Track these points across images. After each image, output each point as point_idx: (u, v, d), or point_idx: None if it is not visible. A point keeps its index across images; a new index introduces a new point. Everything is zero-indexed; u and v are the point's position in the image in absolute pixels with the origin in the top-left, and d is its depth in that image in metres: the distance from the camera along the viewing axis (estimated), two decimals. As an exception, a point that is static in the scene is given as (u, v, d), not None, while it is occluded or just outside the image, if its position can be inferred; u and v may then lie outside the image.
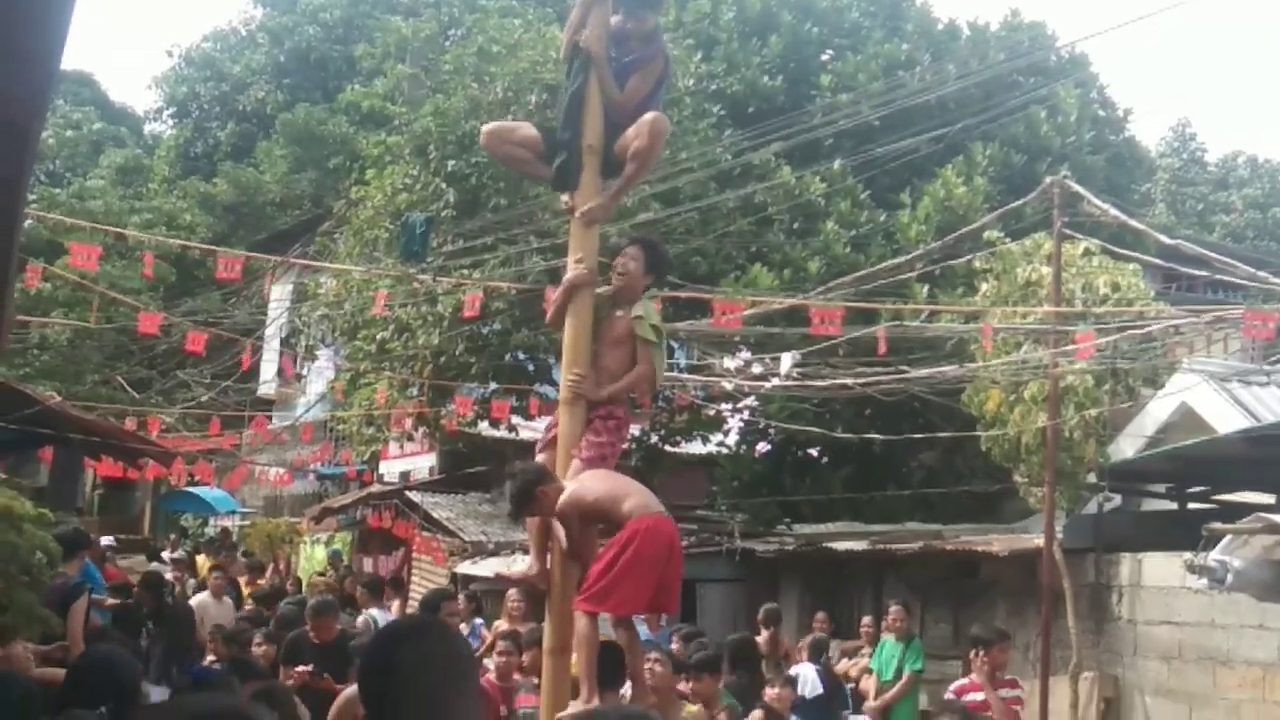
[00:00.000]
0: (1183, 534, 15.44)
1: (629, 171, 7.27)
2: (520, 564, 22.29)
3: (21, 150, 5.38)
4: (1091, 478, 18.26)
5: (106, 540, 23.63)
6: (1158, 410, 19.56)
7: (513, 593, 14.85)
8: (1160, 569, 16.93)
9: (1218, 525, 13.63)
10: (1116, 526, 18.73)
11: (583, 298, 7.19)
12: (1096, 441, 17.81)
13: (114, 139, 59.04)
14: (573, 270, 7.21)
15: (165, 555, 29.20)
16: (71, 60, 65.09)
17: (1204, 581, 13.59)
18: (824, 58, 28.27)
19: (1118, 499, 19.67)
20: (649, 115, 7.21)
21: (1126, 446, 19.27)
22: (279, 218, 47.58)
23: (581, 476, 6.92)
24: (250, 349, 25.08)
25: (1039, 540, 18.05)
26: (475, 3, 45.73)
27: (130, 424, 25.66)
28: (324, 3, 54.94)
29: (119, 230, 28.12)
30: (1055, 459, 17.53)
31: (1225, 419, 18.12)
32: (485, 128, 7.97)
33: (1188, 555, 13.83)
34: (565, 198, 7.46)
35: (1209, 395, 18.79)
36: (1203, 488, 18.93)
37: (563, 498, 6.83)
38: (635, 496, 6.81)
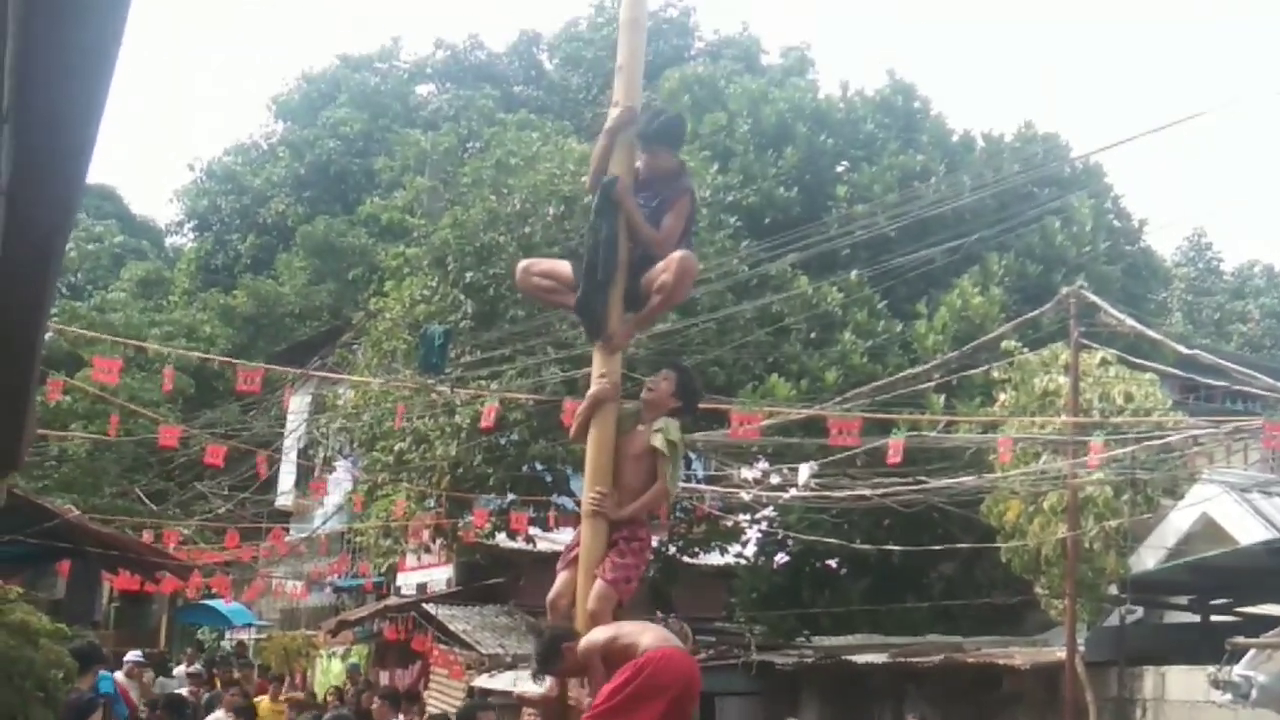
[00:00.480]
0: (1206, 647, 15.29)
1: (654, 304, 7.31)
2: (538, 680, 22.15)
3: (45, 266, 5.46)
4: (1113, 589, 18.11)
5: (134, 655, 23.46)
6: (1179, 521, 19.43)
7: (529, 711, 14.77)
8: (1184, 683, 16.73)
9: (1241, 639, 13.50)
10: (1139, 639, 18.55)
11: (605, 413, 7.19)
12: (1117, 553, 17.68)
13: (135, 252, 59.61)
14: (596, 385, 7.24)
15: (181, 670, 28.98)
16: (95, 174, 65.83)
17: (1228, 697, 13.42)
18: (839, 169, 28.45)
19: (1140, 611, 19.50)
20: (678, 253, 7.22)
21: (1148, 558, 19.12)
22: (298, 329, 47.82)
23: (602, 626, 6.92)
24: (268, 460, 25.01)
25: (1061, 653, 17.88)
26: (493, 116, 46.38)
27: (148, 536, 25.62)
28: (344, 117, 55.56)
29: (139, 344, 28.27)
30: (1076, 570, 17.41)
31: (1247, 530, 17.98)
32: (520, 265, 7.99)
33: (1211, 670, 13.68)
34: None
35: (1230, 506, 18.66)
36: (1226, 600, 18.76)
37: (582, 644, 6.85)
38: (653, 633, 6.85)
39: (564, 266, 7.68)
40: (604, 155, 7.50)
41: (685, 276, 7.23)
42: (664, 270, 7.18)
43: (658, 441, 7.12)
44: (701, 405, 19.14)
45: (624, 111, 7.44)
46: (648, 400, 7.32)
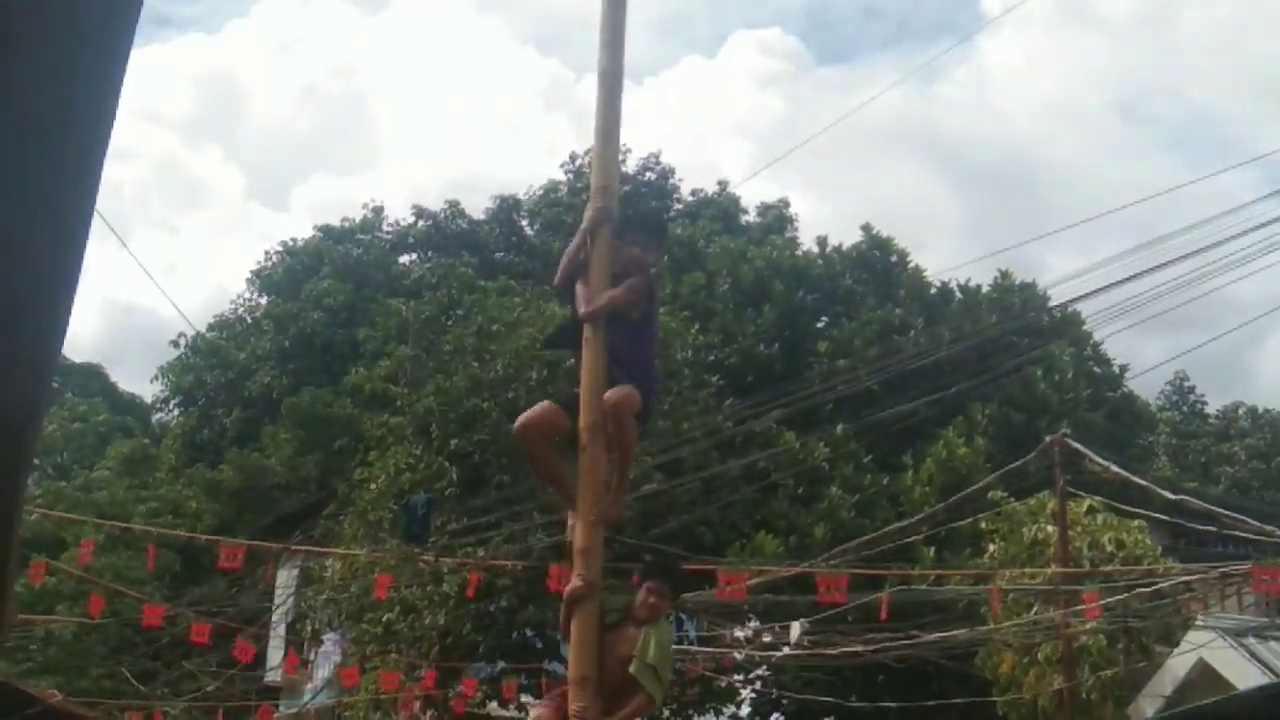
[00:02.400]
0: (1210, 796, 15.06)
1: (616, 460, 7.21)
2: None
3: (17, 451, 5.41)
4: (1113, 739, 17.88)
5: None
6: (1175, 668, 19.21)
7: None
8: (1190, 834, 16.44)
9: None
10: (1143, 790, 18.26)
11: (585, 612, 7.04)
12: (1115, 702, 17.50)
13: (121, 429, 59.53)
14: (571, 584, 7.09)
15: None
16: (81, 353, 66.03)
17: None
18: (819, 324, 28.65)
19: (1142, 761, 19.21)
20: (607, 395, 7.12)
21: (1146, 707, 18.88)
22: (285, 500, 47.55)
23: None
24: (254, 638, 24.73)
25: (1064, 808, 17.60)
26: (474, 283, 46.57)
27: (135, 718, 25.21)
28: (327, 288, 55.83)
29: (123, 525, 28.10)
30: (1074, 721, 17.20)
31: (1244, 675, 17.78)
32: (519, 422, 7.69)
33: (1216, 819, 13.46)
34: (570, 523, 7.34)
35: (1227, 652, 18.47)
36: (1227, 746, 18.49)
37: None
38: None
39: (562, 419, 7.48)
40: (577, 251, 7.56)
41: (618, 414, 7.12)
42: (606, 424, 7.12)
43: (634, 669, 6.96)
44: (690, 566, 19.06)
45: (599, 211, 7.50)
46: (640, 616, 7.14)
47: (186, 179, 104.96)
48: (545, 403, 7.73)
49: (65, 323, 4.35)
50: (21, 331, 4.31)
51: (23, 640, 31.43)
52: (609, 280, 7.49)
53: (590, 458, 7.21)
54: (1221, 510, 16.99)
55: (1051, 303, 27.90)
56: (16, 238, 3.70)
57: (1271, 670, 17.81)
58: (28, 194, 3.57)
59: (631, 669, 6.96)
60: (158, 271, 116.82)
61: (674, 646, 24.11)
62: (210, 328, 60.26)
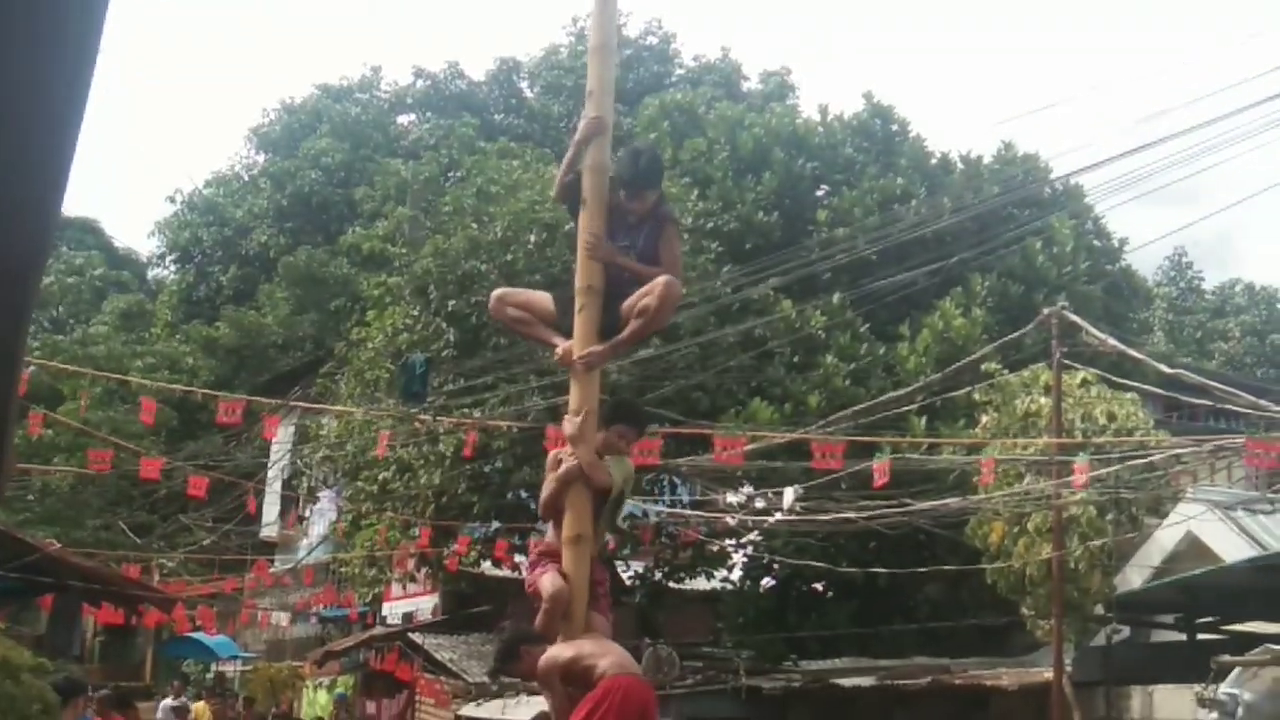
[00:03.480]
0: (1193, 666, 15.28)
1: (634, 327, 7.17)
2: (524, 707, 22.08)
3: (20, 300, 5.40)
4: (1099, 609, 18.10)
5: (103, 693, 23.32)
6: (1164, 540, 19.43)
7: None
8: (1171, 702, 16.71)
9: (1227, 658, 13.49)
10: (1126, 659, 18.53)
11: (577, 492, 7.11)
12: (1103, 573, 17.69)
13: (117, 284, 59.45)
14: (564, 465, 7.12)
15: (167, 703, 28.81)
16: (76, 206, 65.67)
17: (1214, 715, 13.40)
18: (819, 193, 28.47)
19: (1126, 630, 19.48)
20: (663, 278, 7.12)
21: (1134, 577, 19.12)
22: (281, 360, 47.70)
23: (564, 640, 6.87)
24: (252, 492, 24.91)
25: (1048, 673, 17.86)
26: (474, 145, 46.32)
27: (132, 570, 25.50)
28: (325, 147, 55.47)
29: (120, 377, 28.17)
30: (1062, 591, 17.40)
31: (1232, 548, 17.99)
32: (494, 294, 7.85)
33: (1198, 688, 13.67)
34: (558, 349, 7.37)
35: (1215, 524, 18.66)
36: (1212, 618, 18.75)
37: (543, 661, 6.83)
38: (612, 656, 6.79)
39: (541, 298, 7.63)
40: (571, 163, 7.48)
41: (668, 301, 7.14)
42: (647, 294, 7.08)
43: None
44: (685, 430, 19.16)
45: (592, 122, 7.40)
46: (605, 453, 7.27)
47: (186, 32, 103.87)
48: (530, 291, 8.00)
49: (69, 167, 4.31)
50: (24, 175, 4.28)
51: (20, 491, 31.66)
52: (605, 215, 7.35)
53: (587, 319, 7.24)
54: (1216, 384, 17.05)
55: (1054, 175, 27.82)
56: (20, 75, 3.65)
57: (1259, 543, 18.03)
58: (32, 31, 3.52)
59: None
60: (156, 127, 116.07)
61: (667, 510, 24.37)
62: (207, 184, 59.94)
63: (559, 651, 6.80)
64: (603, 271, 7.27)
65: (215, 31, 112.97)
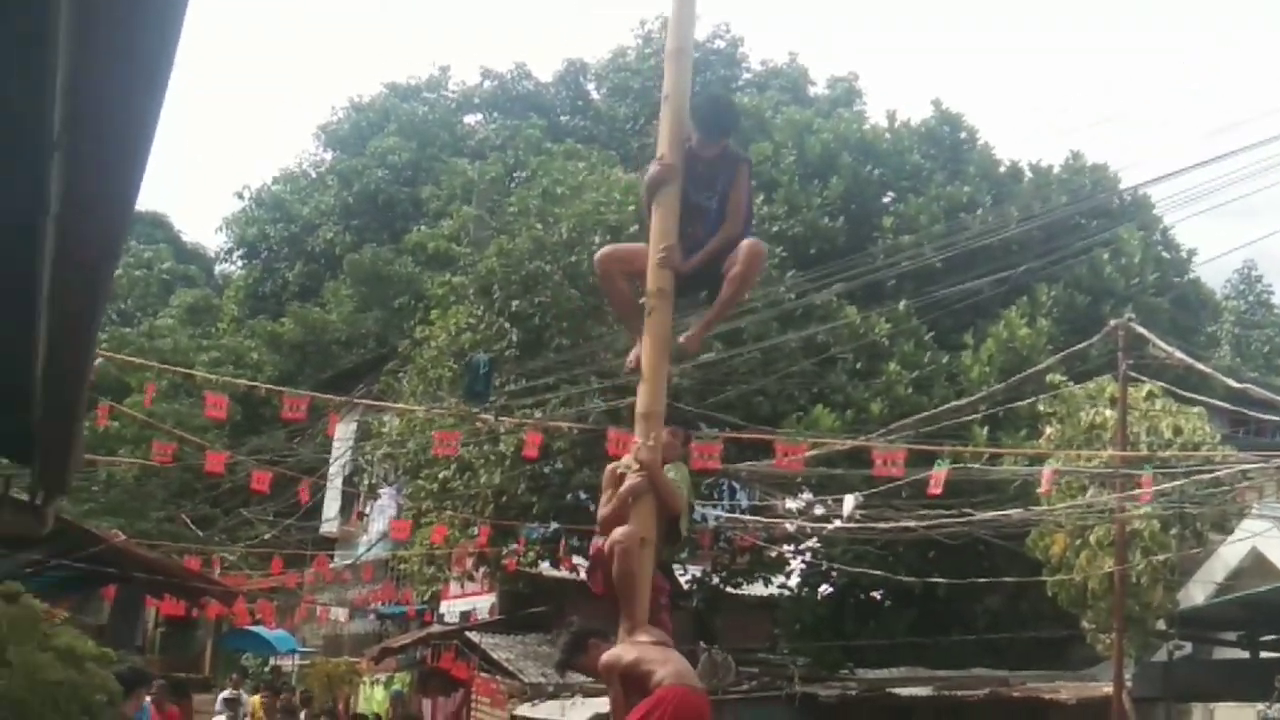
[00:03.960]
0: (1255, 683, 15.14)
1: (725, 295, 7.19)
2: (581, 709, 22.12)
3: (94, 290, 5.49)
4: (1161, 624, 17.95)
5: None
6: (1228, 556, 19.24)
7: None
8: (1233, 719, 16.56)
9: (1291, 675, 13.36)
10: (1187, 675, 18.37)
11: (643, 504, 7.02)
12: (1165, 587, 17.54)
13: (185, 278, 60.04)
14: (630, 479, 7.04)
15: (224, 694, 29.08)
16: (146, 201, 66.31)
17: (1278, 733, 13.28)
18: (885, 199, 28.37)
19: (1188, 647, 19.31)
20: (747, 241, 7.14)
21: (1196, 593, 18.95)
22: (344, 356, 48.01)
23: (630, 643, 6.84)
24: (311, 487, 25.08)
25: (1108, 688, 17.73)
26: (540, 146, 46.44)
27: (193, 562, 25.74)
28: (392, 146, 55.79)
29: (185, 370, 28.45)
30: (1123, 605, 17.27)
31: (1297, 565, 17.81)
32: (600, 253, 7.82)
33: (1261, 706, 13.55)
34: (630, 360, 7.36)
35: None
36: (1276, 635, 18.55)
37: (606, 658, 6.81)
38: (672, 665, 6.72)
39: (637, 251, 7.52)
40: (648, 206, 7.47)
41: (755, 261, 7.18)
42: (734, 262, 7.08)
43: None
44: (746, 435, 19.15)
45: (663, 169, 7.31)
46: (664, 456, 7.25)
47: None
48: (632, 244, 7.84)
49: (145, 162, 4.39)
50: (102, 169, 4.36)
51: (85, 482, 32.02)
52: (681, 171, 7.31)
53: (657, 322, 7.18)
54: (1284, 400, 16.87)
55: (1122, 185, 27.60)
56: (100, 74, 3.73)
57: (1326, 562, 17.83)
58: (113, 35, 3.60)
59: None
60: (226, 124, 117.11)
61: (726, 515, 24.35)
62: (275, 181, 60.43)
63: (622, 652, 6.77)
64: (673, 276, 7.23)
65: (286, 29, 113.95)
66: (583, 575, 24.73)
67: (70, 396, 6.85)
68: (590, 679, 8.73)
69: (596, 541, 7.26)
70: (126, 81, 3.82)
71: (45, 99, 3.82)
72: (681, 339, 7.28)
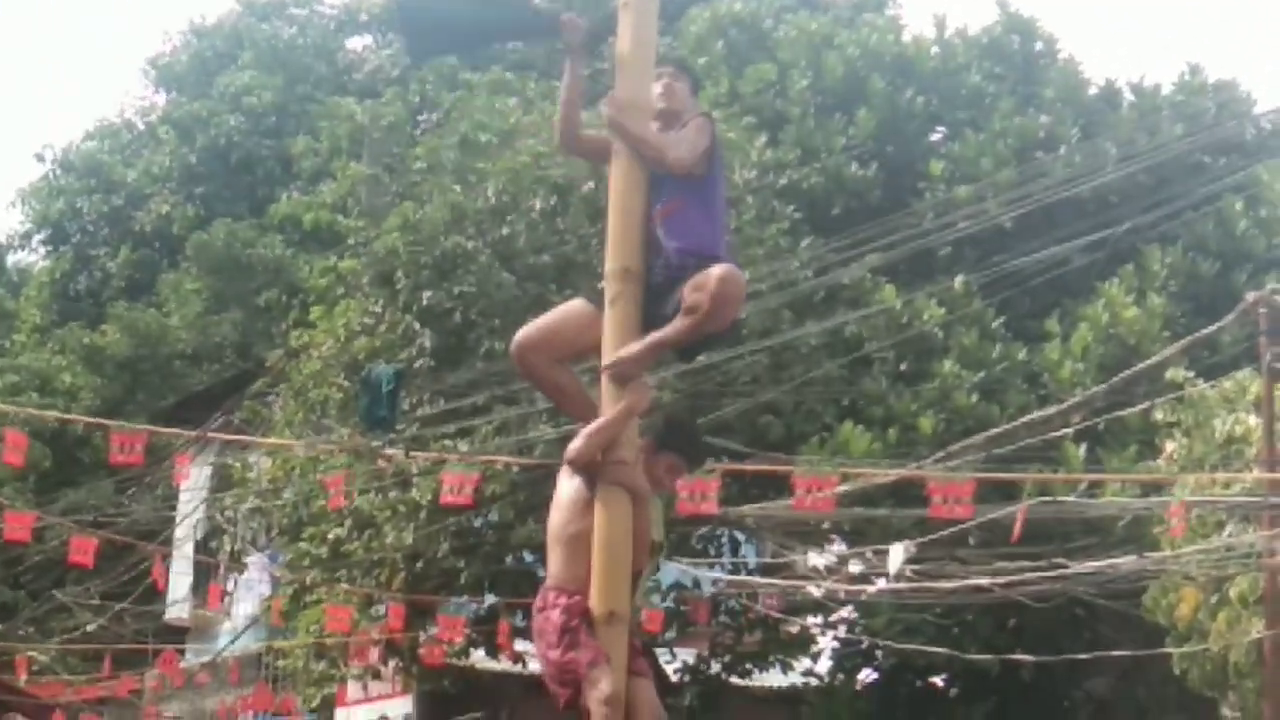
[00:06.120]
0: None
1: (678, 325, 7.35)
2: None
3: None
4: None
5: None
6: None
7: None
8: None
9: None
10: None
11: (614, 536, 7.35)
12: (1333, 658, 17.59)
13: (-34, 274, 59.79)
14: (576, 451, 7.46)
15: None
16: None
17: None
18: (934, 137, 28.40)
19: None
20: (718, 268, 7.29)
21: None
22: (191, 375, 47.89)
23: None
24: (152, 556, 24.98)
25: (1257, 796, 17.78)
26: (455, 78, 46.33)
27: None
28: (249, 83, 55.62)
29: (-29, 400, 28.30)
30: (1278, 682, 17.30)
31: None
32: (518, 337, 8.03)
33: None
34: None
35: None
36: None
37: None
38: None
39: (573, 317, 7.86)
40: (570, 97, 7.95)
41: (726, 300, 7.31)
42: (699, 287, 7.24)
43: None
44: (752, 468, 19.16)
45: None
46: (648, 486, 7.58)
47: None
48: (567, 306, 8.08)
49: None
50: None
51: None
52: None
53: (620, 312, 7.45)
54: None
55: (1259, 109, 27.67)
56: None
57: None
58: None
59: None
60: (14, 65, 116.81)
61: (727, 578, 24.47)
62: (88, 137, 60.13)
63: None
64: (642, 251, 7.46)
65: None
66: (530, 667, 24.73)
67: None
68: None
69: (544, 596, 7.42)
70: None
71: None
72: (613, 359, 7.39)
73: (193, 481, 32.85)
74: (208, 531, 36.64)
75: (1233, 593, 17.95)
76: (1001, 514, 17.91)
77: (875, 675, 27.00)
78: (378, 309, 25.76)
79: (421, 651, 25.77)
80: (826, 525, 22.35)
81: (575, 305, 7.90)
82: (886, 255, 23.29)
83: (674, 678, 26.40)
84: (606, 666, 7.05)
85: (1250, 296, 18.62)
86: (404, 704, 32.13)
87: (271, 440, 27.56)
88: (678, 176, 7.53)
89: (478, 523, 23.91)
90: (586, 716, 7.06)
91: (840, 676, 27.44)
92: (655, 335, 7.43)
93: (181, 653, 36.38)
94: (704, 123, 7.68)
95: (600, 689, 6.97)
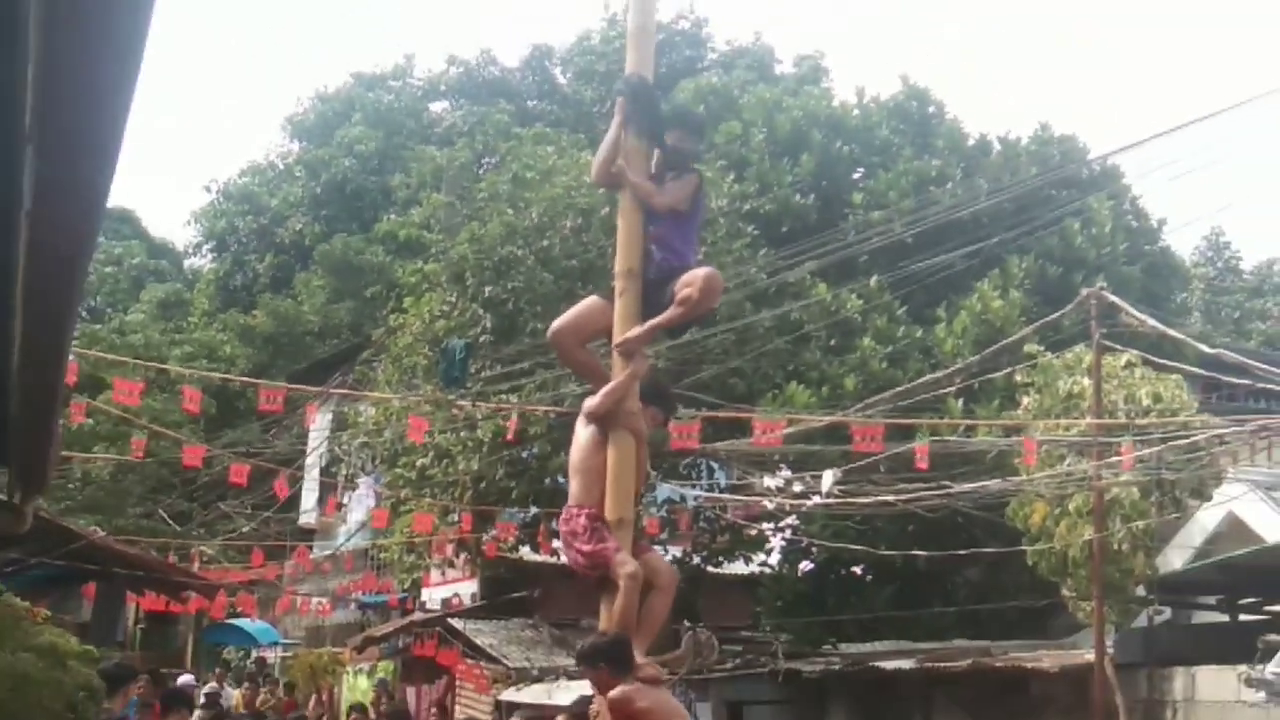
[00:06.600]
0: (1236, 646, 15.20)
1: (671, 313, 7.45)
2: (564, 691, 22.12)
3: (69, 284, 5.42)
4: (1141, 591, 18.01)
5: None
6: (1205, 521, 19.31)
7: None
8: (1215, 683, 16.61)
9: (1273, 637, 13.41)
10: (1168, 640, 18.43)
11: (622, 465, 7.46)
12: (1144, 554, 17.58)
13: (155, 273, 59.79)
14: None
15: (206, 689, 28.96)
16: (113, 197, 65.91)
17: (1261, 695, 13.33)
18: (855, 175, 28.37)
19: (1168, 612, 19.38)
20: (704, 270, 7.54)
21: (1175, 558, 19.01)
22: (318, 347, 47.85)
23: (643, 687, 7.16)
24: (289, 479, 24.96)
25: (1089, 655, 17.77)
26: (508, 131, 46.22)
27: (172, 557, 25.63)
28: (359, 135, 55.59)
29: (160, 365, 28.29)
30: (1103, 572, 17.31)
31: (1274, 528, 17.87)
32: (553, 326, 8.01)
33: (1243, 668, 13.59)
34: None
35: (1257, 505, 18.54)
36: (1254, 599, 18.63)
37: (617, 694, 7.06)
38: None
39: (592, 313, 7.84)
40: (614, 145, 7.80)
41: (710, 293, 7.50)
42: (689, 284, 7.37)
43: None
44: (723, 414, 19.10)
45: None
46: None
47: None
48: (588, 301, 8.00)
49: (117, 154, 4.34)
50: (75, 160, 4.31)
51: (61, 480, 31.85)
52: (649, 164, 7.83)
53: (626, 302, 7.54)
54: (1256, 364, 16.94)
55: (1091, 155, 27.62)
56: (72, 63, 3.68)
57: (1301, 524, 17.90)
58: (84, 25, 3.55)
59: None
60: (192, 117, 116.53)
61: (705, 495, 24.35)
62: (242, 174, 60.15)
63: (635, 695, 7.07)
64: (642, 256, 7.57)
65: (251, 20, 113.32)
66: (562, 559, 24.75)
67: (47, 393, 6.78)
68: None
69: (569, 510, 7.45)
70: (98, 72, 3.77)
71: (16, 92, 3.77)
72: (622, 338, 7.46)
73: (319, 424, 32.84)
74: (329, 460, 36.55)
75: (1071, 506, 17.97)
76: (903, 449, 17.90)
77: (812, 566, 26.96)
78: (452, 299, 25.71)
79: (484, 547, 25.74)
80: (777, 457, 22.29)
81: (593, 300, 7.93)
82: (820, 262, 23.26)
83: (666, 567, 26.36)
84: (626, 552, 7.20)
85: (1084, 292, 18.63)
86: (471, 585, 32.08)
87: (375, 395, 27.55)
88: (663, 213, 7.63)
89: (524, 454, 23.88)
90: (614, 589, 7.15)
91: (786, 566, 27.43)
92: (654, 320, 7.49)
93: (311, 548, 36.37)
94: (692, 179, 7.80)
95: (627, 568, 7.11)
